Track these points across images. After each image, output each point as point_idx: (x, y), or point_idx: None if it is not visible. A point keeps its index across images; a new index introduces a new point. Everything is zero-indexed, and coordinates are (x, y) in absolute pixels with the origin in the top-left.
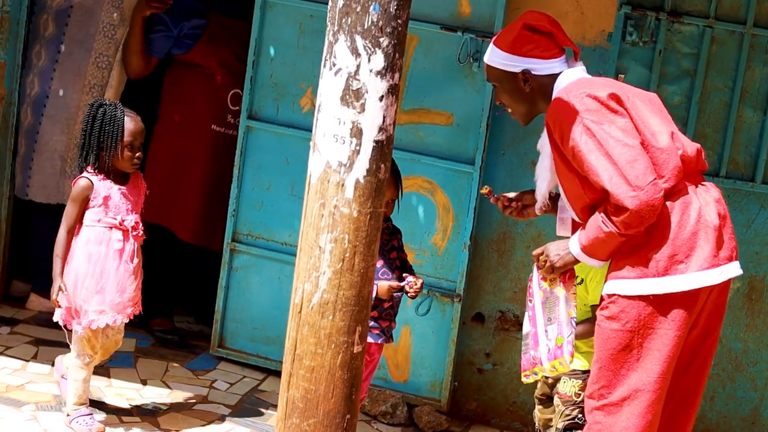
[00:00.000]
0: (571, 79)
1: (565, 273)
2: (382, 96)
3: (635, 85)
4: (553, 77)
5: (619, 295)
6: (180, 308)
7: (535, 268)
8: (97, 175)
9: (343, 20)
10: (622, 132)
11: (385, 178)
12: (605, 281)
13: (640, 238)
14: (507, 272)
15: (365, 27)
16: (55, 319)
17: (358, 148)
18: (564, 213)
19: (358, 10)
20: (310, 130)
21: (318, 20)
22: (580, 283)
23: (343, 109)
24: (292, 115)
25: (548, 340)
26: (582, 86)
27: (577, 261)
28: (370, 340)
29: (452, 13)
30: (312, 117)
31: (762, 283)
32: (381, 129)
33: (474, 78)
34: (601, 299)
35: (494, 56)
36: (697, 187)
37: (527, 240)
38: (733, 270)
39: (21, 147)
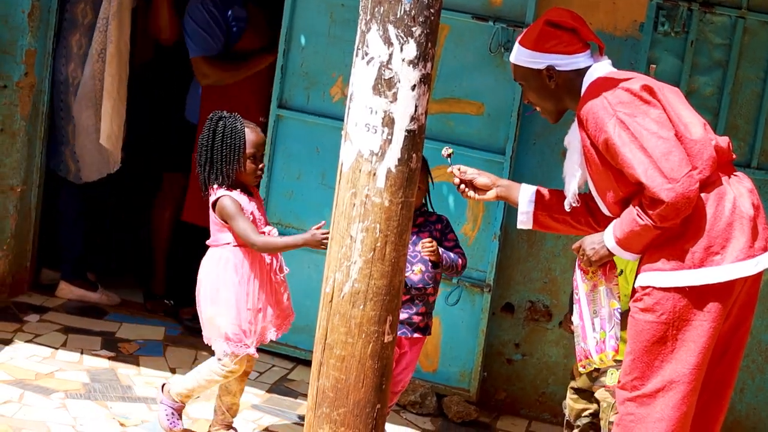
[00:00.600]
0: (600, 73)
1: (604, 265)
2: (415, 85)
3: (668, 75)
4: (580, 72)
5: (654, 287)
6: None
7: (577, 262)
8: (231, 191)
9: (376, 9)
10: (656, 124)
11: (417, 168)
12: (638, 273)
13: (675, 230)
14: (537, 262)
15: (398, 16)
16: (221, 348)
17: (390, 137)
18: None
19: None
20: (341, 120)
21: (349, 9)
22: (620, 274)
23: (375, 99)
24: (323, 104)
25: (595, 333)
26: (613, 79)
27: (612, 254)
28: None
29: (484, 2)
30: (342, 106)
31: None
32: (413, 118)
33: (505, 68)
34: (634, 291)
35: (519, 55)
36: (730, 177)
37: None
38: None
39: (70, 137)
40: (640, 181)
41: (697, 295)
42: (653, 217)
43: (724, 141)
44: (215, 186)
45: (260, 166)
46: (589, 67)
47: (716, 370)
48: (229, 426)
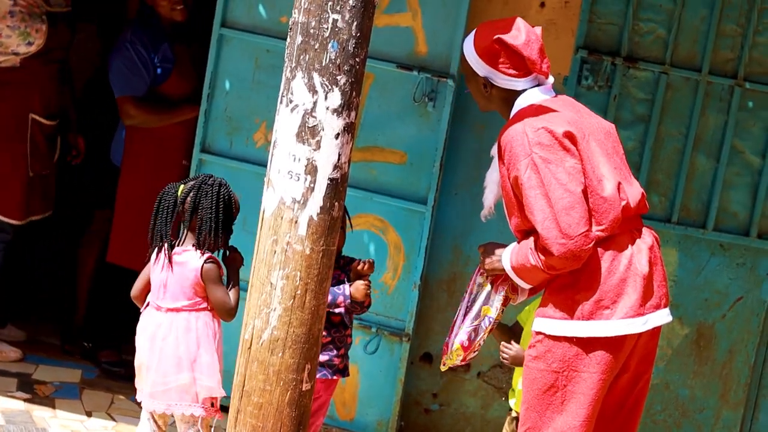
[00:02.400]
0: (533, 100)
1: (498, 276)
2: (338, 134)
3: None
4: (517, 92)
5: (545, 335)
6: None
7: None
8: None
9: (301, 57)
10: (567, 175)
11: (339, 216)
12: (534, 317)
13: (568, 279)
14: (456, 312)
15: (323, 64)
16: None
17: (312, 185)
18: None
19: (316, 47)
20: (264, 165)
21: (274, 55)
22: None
23: (298, 146)
24: (246, 150)
25: (460, 330)
26: (540, 115)
27: (504, 271)
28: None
29: (409, 52)
30: (265, 152)
31: (711, 330)
32: (336, 167)
33: (428, 117)
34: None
35: (468, 48)
36: (632, 233)
37: None
38: (659, 319)
39: None
40: (536, 228)
41: (586, 347)
42: (542, 263)
43: (636, 197)
44: (201, 250)
45: None
46: (526, 90)
47: (614, 423)
48: None
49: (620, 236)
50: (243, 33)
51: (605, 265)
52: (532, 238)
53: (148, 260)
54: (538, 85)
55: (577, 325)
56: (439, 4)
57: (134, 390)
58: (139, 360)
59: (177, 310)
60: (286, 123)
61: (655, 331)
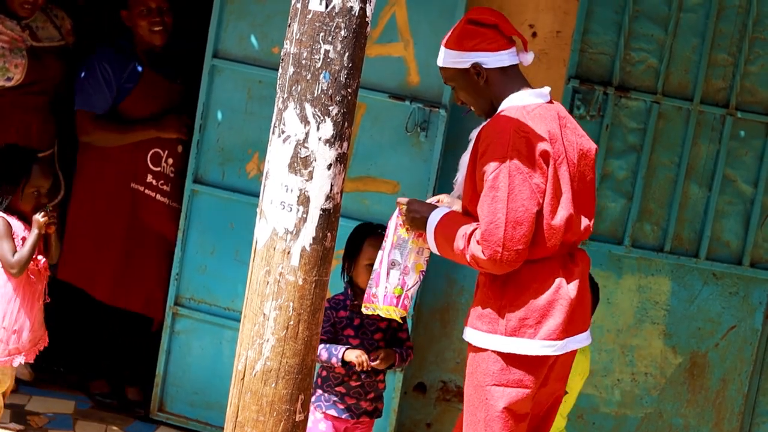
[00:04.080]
0: (526, 102)
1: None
2: (330, 164)
3: None
4: (506, 71)
5: (471, 345)
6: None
7: (396, 212)
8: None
9: (293, 88)
10: (530, 192)
11: (332, 247)
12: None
13: (497, 291)
14: (450, 342)
15: (315, 95)
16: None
17: (305, 215)
18: None
19: (308, 78)
20: (256, 196)
21: (266, 86)
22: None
23: (290, 177)
24: (238, 180)
25: (387, 284)
26: (529, 123)
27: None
28: (333, 413)
29: (401, 82)
30: (258, 182)
31: (704, 359)
32: (328, 197)
33: (421, 147)
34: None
35: (445, 57)
36: (565, 257)
37: None
38: (578, 342)
39: None
40: (481, 226)
41: (509, 361)
42: (469, 254)
43: (583, 228)
44: None
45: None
46: (515, 66)
47: None
48: None
49: (554, 259)
50: (235, 63)
51: (534, 285)
52: (471, 225)
53: None
54: (530, 87)
55: (500, 340)
56: (431, 34)
57: (128, 421)
58: None
59: None
60: (278, 154)
61: (574, 352)
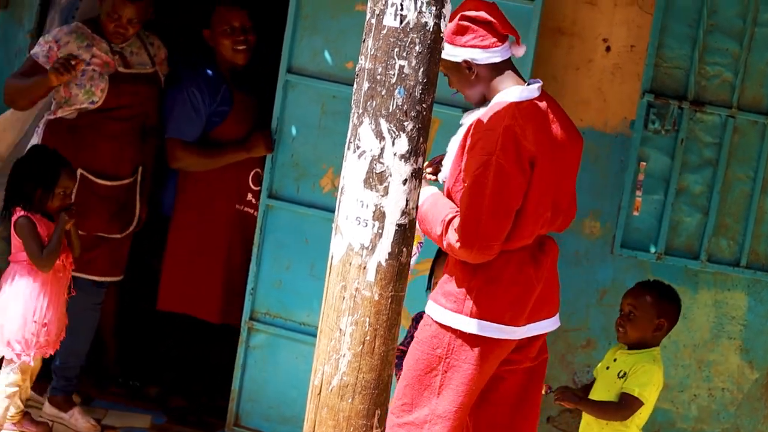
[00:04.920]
0: (513, 98)
1: None
2: (406, 180)
3: (658, 173)
4: (497, 67)
5: (433, 320)
6: (197, 385)
7: None
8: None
9: (368, 103)
10: (511, 191)
11: (408, 262)
12: (428, 300)
13: (466, 272)
14: None
15: (390, 110)
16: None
17: (380, 231)
18: None
19: (383, 93)
20: (331, 211)
21: (341, 101)
22: (622, 377)
23: (366, 192)
24: (313, 195)
25: None
26: (521, 123)
27: None
28: None
29: None
30: (332, 197)
31: None
32: (404, 212)
33: None
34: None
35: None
36: (535, 247)
37: None
38: (543, 328)
39: None
40: (459, 215)
41: (469, 341)
42: (445, 241)
43: (556, 224)
44: (16, 207)
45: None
46: (507, 60)
47: (515, 416)
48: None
49: (524, 249)
50: (309, 79)
51: (503, 273)
52: (450, 213)
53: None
54: (528, 83)
55: (463, 320)
56: None
57: None
58: None
59: (13, 261)
60: (353, 169)
61: (543, 337)
